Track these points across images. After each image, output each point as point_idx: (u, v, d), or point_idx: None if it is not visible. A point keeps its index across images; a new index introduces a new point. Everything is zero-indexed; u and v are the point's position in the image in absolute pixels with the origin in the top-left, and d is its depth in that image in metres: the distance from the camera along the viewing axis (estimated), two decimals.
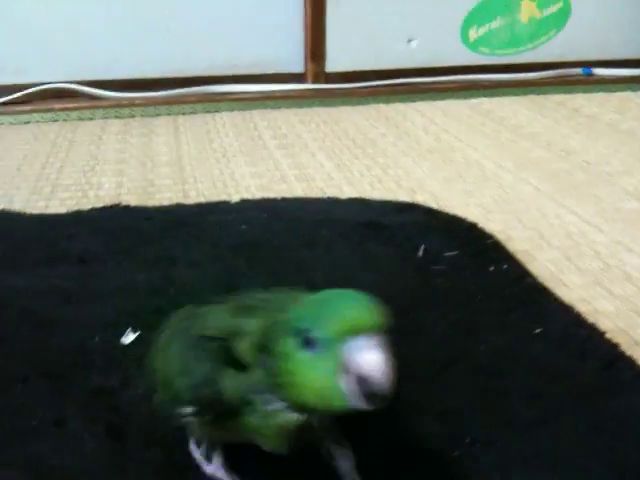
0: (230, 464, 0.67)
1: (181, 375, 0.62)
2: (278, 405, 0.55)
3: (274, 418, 0.56)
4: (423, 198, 1.40)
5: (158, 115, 2.03)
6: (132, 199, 1.40)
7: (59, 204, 1.40)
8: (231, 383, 0.57)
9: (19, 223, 1.25)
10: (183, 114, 2.04)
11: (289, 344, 0.52)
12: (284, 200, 1.34)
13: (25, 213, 1.32)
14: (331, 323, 0.49)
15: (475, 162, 1.62)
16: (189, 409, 0.60)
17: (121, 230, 1.21)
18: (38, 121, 2.01)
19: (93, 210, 1.31)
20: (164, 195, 1.44)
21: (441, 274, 1.04)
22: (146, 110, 2.05)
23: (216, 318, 0.63)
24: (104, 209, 1.31)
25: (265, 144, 1.76)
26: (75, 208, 1.34)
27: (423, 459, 0.70)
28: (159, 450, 0.71)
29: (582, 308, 0.97)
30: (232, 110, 2.06)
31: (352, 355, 0.48)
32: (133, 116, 2.03)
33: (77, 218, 1.27)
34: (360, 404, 0.49)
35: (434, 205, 1.34)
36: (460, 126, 1.90)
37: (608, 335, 0.89)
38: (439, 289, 1.00)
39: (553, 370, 0.82)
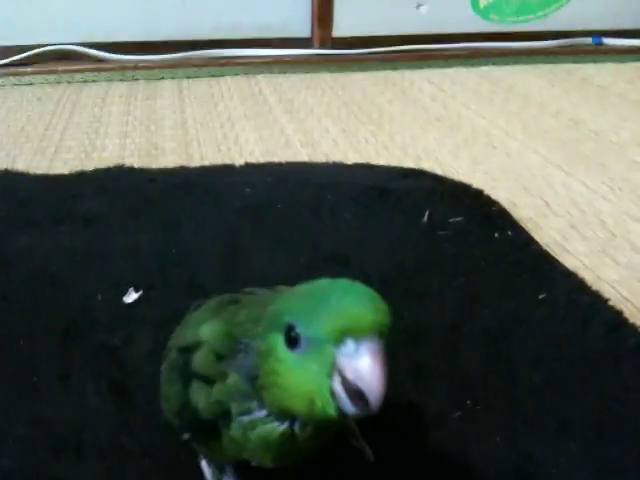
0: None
1: (166, 401, 0.58)
2: (258, 414, 0.48)
3: (254, 429, 0.49)
4: (429, 165, 1.38)
5: (162, 79, 2.01)
6: (136, 161, 1.39)
7: (62, 165, 1.39)
8: (201, 399, 0.51)
9: (23, 183, 1.25)
10: (188, 78, 2.02)
11: (273, 341, 0.44)
12: (289, 164, 1.33)
13: (28, 173, 1.31)
14: (324, 321, 0.41)
15: (482, 130, 1.61)
16: (186, 435, 0.56)
17: (125, 191, 1.20)
18: (42, 83, 1.99)
19: (97, 171, 1.30)
20: (168, 158, 1.43)
21: (447, 239, 1.04)
22: (150, 73, 2.02)
23: (191, 324, 0.58)
24: (108, 170, 1.30)
25: (270, 109, 1.75)
26: (78, 169, 1.33)
27: (424, 419, 0.70)
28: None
29: (586, 276, 0.97)
30: (237, 75, 2.04)
31: (347, 363, 0.41)
32: (137, 79, 2.01)
33: (81, 178, 1.26)
34: (351, 411, 0.42)
35: (440, 172, 1.33)
36: (468, 94, 1.88)
37: (612, 302, 0.89)
38: (445, 254, 1.00)
39: (557, 335, 0.82)
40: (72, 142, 1.53)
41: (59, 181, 1.26)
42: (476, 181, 1.28)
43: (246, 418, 0.49)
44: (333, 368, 0.41)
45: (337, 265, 0.98)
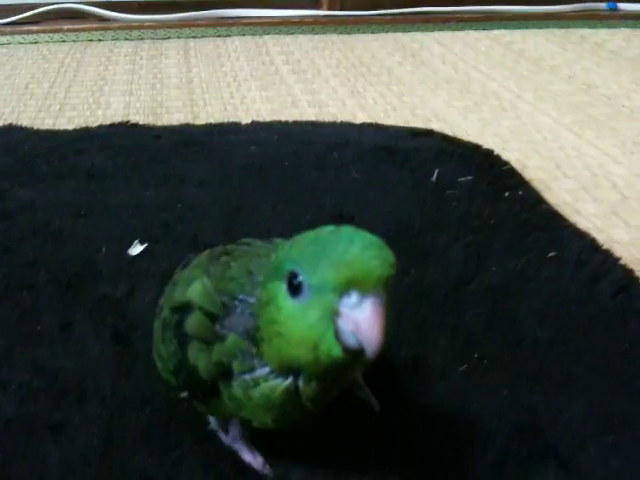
0: (250, 435, 0.60)
1: (160, 360, 0.56)
2: (260, 372, 0.47)
3: (257, 387, 0.47)
4: (438, 126, 1.36)
5: (168, 38, 1.98)
6: (140, 119, 1.37)
7: (67, 122, 1.38)
8: (200, 360, 0.50)
9: (26, 138, 1.23)
10: (194, 37, 1.99)
11: (274, 289, 0.43)
12: (295, 123, 1.31)
13: (32, 128, 1.29)
14: (330, 270, 0.40)
15: (493, 92, 1.58)
16: (184, 394, 0.55)
17: (129, 147, 1.19)
18: (47, 41, 1.96)
19: (102, 127, 1.29)
20: (173, 116, 1.41)
21: (455, 198, 1.02)
22: (156, 33, 1.99)
23: (180, 283, 0.55)
24: (112, 126, 1.29)
25: (277, 69, 1.72)
26: (83, 126, 1.31)
27: (429, 373, 0.69)
28: None
29: (597, 237, 0.95)
30: (244, 35, 2.01)
31: (348, 314, 0.40)
32: (143, 39, 1.98)
33: (85, 134, 1.25)
34: (355, 342, 0.40)
35: (450, 134, 1.31)
36: (479, 57, 1.84)
37: (622, 262, 0.88)
38: (453, 213, 0.98)
39: (566, 293, 0.81)
40: (76, 100, 1.51)
41: (63, 137, 1.24)
42: (486, 142, 1.26)
43: (248, 376, 0.48)
44: (334, 314, 0.41)
45: (343, 222, 0.96)
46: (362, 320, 0.40)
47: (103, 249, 0.89)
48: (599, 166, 1.22)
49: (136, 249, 0.89)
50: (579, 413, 0.64)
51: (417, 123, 1.37)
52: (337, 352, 0.41)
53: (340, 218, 0.97)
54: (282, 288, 0.42)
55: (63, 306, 0.79)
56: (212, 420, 0.62)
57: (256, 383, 0.47)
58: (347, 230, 0.43)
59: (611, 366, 0.69)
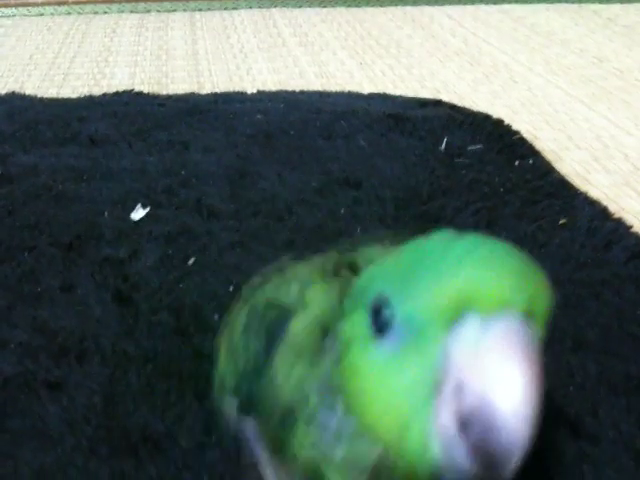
0: None
1: (229, 353, 0.44)
2: (344, 423, 0.32)
3: (337, 444, 0.32)
4: (448, 98, 1.33)
5: (174, 11, 1.96)
6: (145, 89, 1.35)
7: (71, 91, 1.36)
8: (283, 373, 0.37)
9: (30, 105, 1.22)
10: (200, 10, 1.96)
11: (356, 324, 0.30)
12: (302, 92, 1.29)
13: (36, 96, 1.28)
14: (432, 289, 0.26)
15: (504, 65, 1.55)
16: (232, 401, 0.43)
17: (133, 114, 1.17)
18: (52, 14, 1.94)
19: (106, 95, 1.27)
20: (178, 86, 1.39)
21: (465, 166, 1.00)
22: (162, 5, 1.97)
23: (293, 280, 0.42)
24: (116, 94, 1.27)
25: (284, 41, 1.69)
26: (87, 94, 1.30)
27: None
28: (167, 315, 0.69)
29: (609, 206, 0.93)
30: (251, 7, 1.98)
31: (466, 357, 0.25)
32: (149, 11, 1.95)
33: (89, 102, 1.23)
34: (466, 471, 0.25)
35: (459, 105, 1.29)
36: (490, 30, 1.81)
37: (634, 230, 0.86)
38: (462, 180, 0.96)
39: (577, 258, 0.79)
40: (81, 70, 1.49)
41: (66, 104, 1.23)
42: (496, 114, 1.23)
43: (328, 420, 0.33)
44: (442, 374, 0.26)
45: (350, 189, 0.94)
46: (504, 373, 0.24)
47: (105, 213, 0.88)
48: (611, 137, 1.20)
49: (138, 213, 0.88)
50: (591, 377, 0.63)
51: (426, 95, 1.35)
52: (428, 460, 0.26)
53: (347, 184, 0.95)
54: (364, 323, 0.29)
55: (64, 268, 0.77)
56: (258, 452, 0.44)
57: (338, 436, 0.33)
58: (469, 238, 0.29)
59: (625, 330, 0.68)
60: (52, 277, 0.76)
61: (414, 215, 0.88)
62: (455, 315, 0.25)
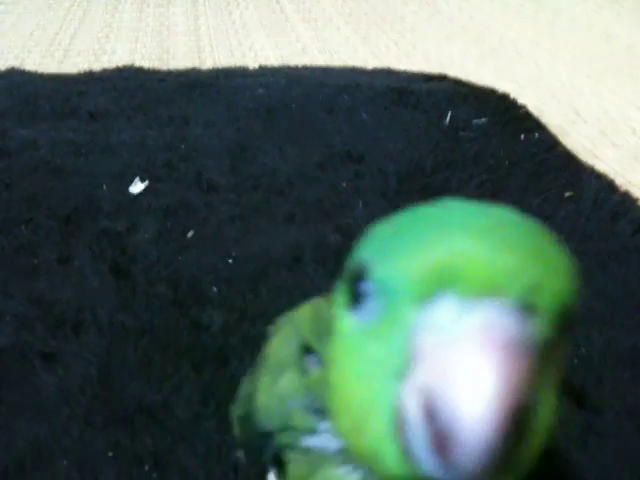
0: None
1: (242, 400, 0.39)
2: (328, 444, 0.29)
3: (319, 469, 0.29)
4: (453, 74, 1.31)
5: None
6: (146, 65, 1.33)
7: (71, 67, 1.34)
8: (263, 388, 0.34)
9: (29, 80, 1.20)
10: None
11: (336, 299, 0.25)
12: (305, 68, 1.27)
13: (36, 72, 1.26)
14: (410, 255, 0.21)
15: (510, 41, 1.52)
16: (240, 453, 0.39)
17: (133, 89, 1.15)
18: None
19: (106, 71, 1.25)
20: (179, 63, 1.37)
21: (469, 139, 0.98)
22: None
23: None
24: (117, 70, 1.25)
25: (287, 17, 1.67)
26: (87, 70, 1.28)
27: None
28: (164, 287, 0.68)
29: (616, 180, 0.92)
30: None
31: (431, 344, 0.20)
32: None
33: (89, 77, 1.22)
34: (429, 467, 0.20)
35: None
36: (496, 6, 1.78)
37: None
38: (467, 153, 0.94)
39: (583, 231, 0.77)
40: (82, 46, 1.48)
41: (66, 80, 1.21)
42: (502, 89, 1.21)
43: (313, 442, 0.30)
44: (408, 357, 0.21)
45: (352, 162, 0.93)
46: (458, 357, 0.19)
47: (104, 186, 0.87)
48: (619, 112, 1.18)
49: (137, 187, 0.87)
50: (597, 347, 0.61)
51: (431, 70, 1.33)
52: (391, 456, 0.22)
53: (349, 158, 0.94)
54: (344, 296, 0.24)
55: (62, 240, 0.76)
56: None
57: (323, 462, 0.29)
58: (474, 205, 0.23)
59: (631, 302, 0.66)
60: (49, 249, 0.75)
61: (417, 188, 0.86)
62: (430, 290, 0.20)
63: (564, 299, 0.21)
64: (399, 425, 0.21)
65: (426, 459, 0.20)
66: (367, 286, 0.23)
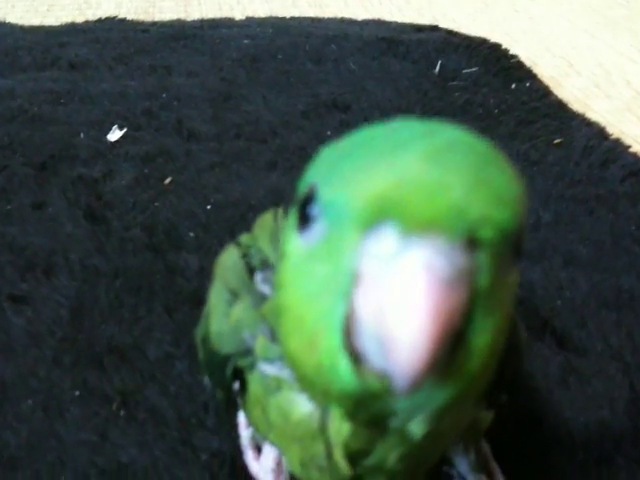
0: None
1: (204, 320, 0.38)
2: (283, 371, 0.30)
3: (277, 394, 0.30)
4: (446, 26, 1.28)
5: None
6: (131, 18, 1.30)
7: (54, 21, 1.31)
8: (215, 318, 0.35)
9: (10, 32, 1.17)
10: None
11: (290, 221, 0.25)
12: (293, 18, 1.24)
13: (17, 24, 1.23)
14: (356, 178, 0.21)
15: None
16: (205, 378, 0.39)
17: (116, 40, 1.12)
18: None
19: (88, 22, 1.22)
20: (165, 15, 1.33)
21: (459, 89, 0.96)
22: None
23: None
24: (99, 21, 1.22)
25: None
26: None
27: None
28: (139, 232, 0.66)
29: (607, 129, 0.89)
30: None
31: (371, 272, 0.21)
32: None
33: (71, 29, 1.19)
34: (378, 365, 0.21)
35: None
36: None
37: (633, 150, 0.82)
38: (455, 102, 0.92)
39: (571, 176, 0.75)
40: (66, 1, 1.44)
41: (48, 32, 1.18)
42: (495, 41, 1.18)
43: (269, 369, 0.30)
44: (351, 280, 0.21)
45: (338, 111, 0.91)
46: (394, 290, 0.20)
47: (81, 134, 0.84)
48: (613, 65, 1.15)
49: (115, 134, 0.84)
50: (581, 290, 0.60)
51: (423, 23, 1.29)
52: (342, 368, 0.22)
53: (335, 107, 0.91)
54: (293, 219, 0.24)
55: (37, 186, 0.74)
56: (244, 426, 0.45)
57: (279, 386, 0.30)
58: (430, 124, 0.23)
59: (618, 245, 0.65)
60: (24, 195, 0.73)
61: None
62: (374, 219, 0.20)
63: (509, 230, 0.21)
64: (350, 333, 0.21)
65: (377, 360, 0.21)
66: (315, 209, 0.23)
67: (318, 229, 0.22)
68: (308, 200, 0.23)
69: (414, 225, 0.20)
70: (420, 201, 0.20)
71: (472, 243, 0.20)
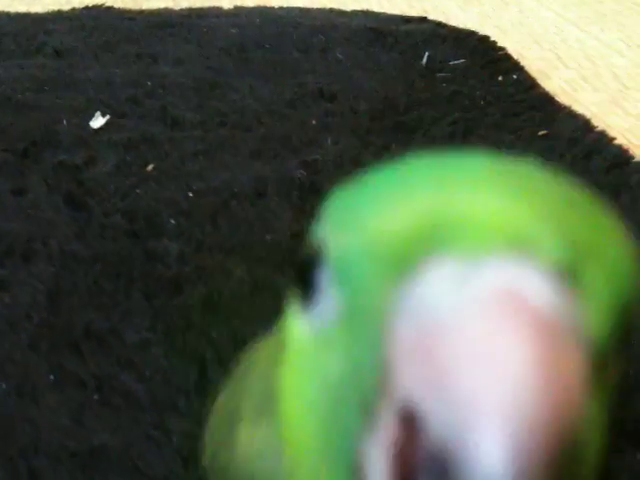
0: None
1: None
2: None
3: None
4: (435, 18, 1.28)
5: None
6: (119, 6, 1.29)
7: (41, 9, 1.29)
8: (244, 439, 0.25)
9: None
10: None
11: (290, 312, 0.19)
12: (281, 8, 1.23)
13: (3, 11, 1.22)
14: (376, 216, 0.15)
15: None
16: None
17: (102, 28, 1.11)
18: None
19: (75, 10, 1.21)
20: (153, 4, 1.32)
21: (445, 80, 0.96)
22: None
23: None
24: (86, 9, 1.21)
25: None
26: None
27: None
28: (120, 218, 0.66)
29: (593, 121, 0.89)
30: None
31: (425, 352, 0.13)
32: None
33: (57, 16, 1.18)
34: None
35: None
36: None
37: (618, 142, 0.82)
38: (442, 93, 0.92)
39: (556, 167, 0.75)
40: None
41: (33, 19, 1.17)
42: (484, 33, 1.18)
43: None
44: (383, 367, 0.14)
45: (323, 101, 0.90)
46: (471, 343, 0.12)
47: (64, 121, 0.84)
48: (602, 58, 1.15)
49: (98, 121, 0.84)
50: None
51: (412, 15, 1.29)
52: None
53: (321, 96, 0.91)
54: (296, 300, 0.18)
55: (17, 172, 0.74)
56: None
57: None
58: (452, 155, 0.18)
59: None
60: (3, 181, 0.72)
61: (389, 126, 0.84)
62: (413, 255, 0.13)
63: (622, 282, 0.14)
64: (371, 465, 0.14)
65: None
66: (322, 275, 0.16)
67: (329, 303, 0.16)
68: (312, 266, 0.16)
69: (481, 246, 0.13)
70: (486, 217, 0.13)
71: (572, 277, 0.14)
